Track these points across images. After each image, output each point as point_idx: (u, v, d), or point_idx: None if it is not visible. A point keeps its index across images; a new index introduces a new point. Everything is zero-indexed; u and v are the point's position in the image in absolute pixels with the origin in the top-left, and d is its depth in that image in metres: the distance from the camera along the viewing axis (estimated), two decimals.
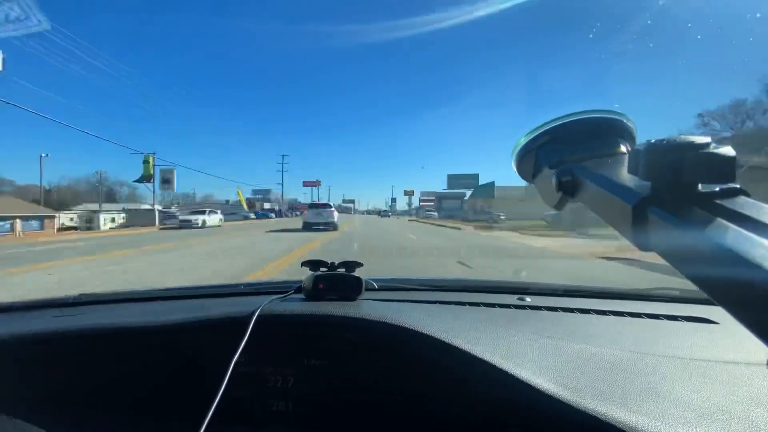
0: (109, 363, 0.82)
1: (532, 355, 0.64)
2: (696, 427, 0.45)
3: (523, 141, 0.39)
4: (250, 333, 0.72)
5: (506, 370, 0.59)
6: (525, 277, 5.13)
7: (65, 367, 0.82)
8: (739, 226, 0.22)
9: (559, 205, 0.37)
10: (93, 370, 0.82)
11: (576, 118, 0.37)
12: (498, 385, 0.59)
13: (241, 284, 1.17)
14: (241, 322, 0.74)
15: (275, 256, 7.32)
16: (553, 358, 0.63)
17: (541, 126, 0.38)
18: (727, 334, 0.75)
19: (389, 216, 42.61)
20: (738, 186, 0.25)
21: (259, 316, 0.75)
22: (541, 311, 0.92)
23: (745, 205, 0.24)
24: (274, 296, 0.89)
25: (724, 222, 0.23)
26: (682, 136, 0.26)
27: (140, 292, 1.19)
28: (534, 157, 0.40)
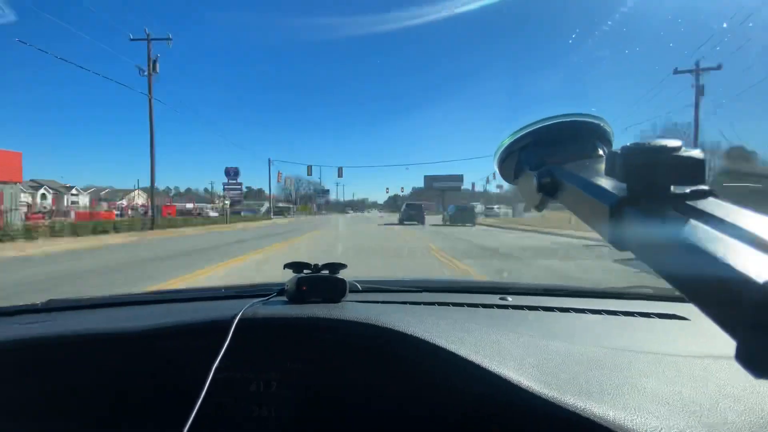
0: (82, 371, 0.79)
1: (515, 353, 0.65)
2: (669, 419, 0.47)
3: (505, 143, 0.40)
4: (232, 337, 0.71)
5: (489, 369, 0.60)
6: (507, 277, 5.23)
7: (34, 377, 0.79)
8: (708, 225, 0.23)
9: (540, 206, 0.37)
10: (64, 379, 0.79)
11: (557, 121, 0.38)
12: (482, 384, 0.60)
13: (222, 288, 1.15)
14: (221, 326, 0.73)
15: None
16: (535, 356, 0.64)
17: (524, 128, 0.39)
18: (697, 329, 0.79)
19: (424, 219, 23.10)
20: (707, 188, 0.26)
21: (240, 320, 0.74)
22: (523, 310, 0.94)
23: (713, 205, 0.25)
24: (256, 299, 0.87)
25: (695, 222, 0.23)
26: (656, 140, 0.27)
27: (115, 297, 1.15)
28: (516, 159, 0.40)
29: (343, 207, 48.38)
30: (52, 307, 1.04)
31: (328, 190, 75.17)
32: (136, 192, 58.24)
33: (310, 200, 68.99)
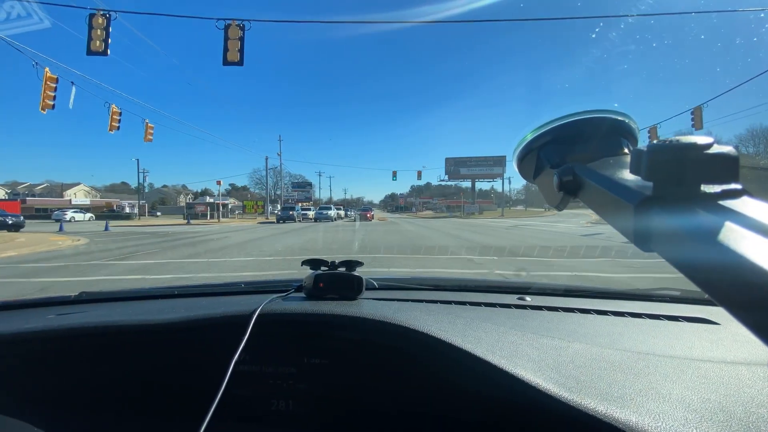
0: (109, 362, 0.82)
1: (533, 354, 0.64)
2: (696, 428, 0.45)
3: (524, 141, 0.39)
4: (251, 332, 0.72)
5: (506, 369, 0.59)
6: (525, 276, 5.14)
7: (65, 366, 0.82)
8: (742, 226, 0.22)
9: (560, 205, 0.36)
10: (93, 368, 0.82)
11: (578, 118, 0.36)
12: (498, 384, 0.59)
13: (242, 283, 1.17)
14: (241, 321, 0.74)
15: None
16: (553, 357, 0.63)
17: (543, 126, 0.38)
18: (728, 335, 0.75)
19: None
20: (741, 187, 0.25)
21: (259, 315, 0.75)
22: (542, 311, 0.92)
23: (748, 205, 0.23)
24: (275, 295, 0.89)
25: (727, 223, 0.22)
26: (685, 137, 0.26)
27: (141, 291, 1.19)
28: (535, 157, 0.39)
29: (327, 207, 36.10)
30: (83, 300, 1.09)
31: (310, 183, 59.45)
32: None
33: (290, 198, 52.19)
